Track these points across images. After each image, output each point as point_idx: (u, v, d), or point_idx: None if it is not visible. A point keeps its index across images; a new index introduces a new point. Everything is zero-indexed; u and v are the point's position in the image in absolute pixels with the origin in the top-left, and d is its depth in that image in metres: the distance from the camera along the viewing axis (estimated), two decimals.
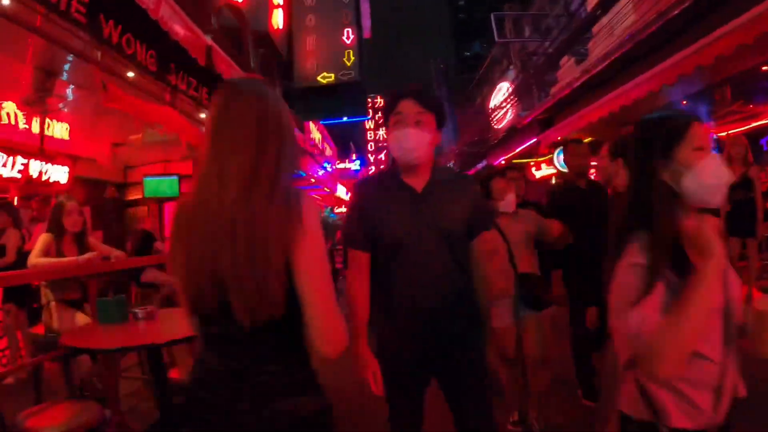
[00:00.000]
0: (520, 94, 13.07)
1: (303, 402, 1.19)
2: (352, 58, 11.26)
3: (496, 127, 17.58)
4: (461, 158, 26.35)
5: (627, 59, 7.89)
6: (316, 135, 15.65)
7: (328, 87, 11.39)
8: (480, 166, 20.66)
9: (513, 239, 2.83)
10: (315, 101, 11.67)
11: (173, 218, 1.23)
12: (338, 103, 11.99)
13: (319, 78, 11.27)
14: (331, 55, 11.28)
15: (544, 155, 17.65)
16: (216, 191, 1.15)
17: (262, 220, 1.11)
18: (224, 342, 1.21)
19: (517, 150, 14.76)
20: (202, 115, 6.58)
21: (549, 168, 21.02)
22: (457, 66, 56.17)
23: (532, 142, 12.73)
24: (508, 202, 2.96)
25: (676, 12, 6.50)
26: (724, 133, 11.95)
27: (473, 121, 22.89)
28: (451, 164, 35.72)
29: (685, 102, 9.06)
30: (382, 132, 31.71)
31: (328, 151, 19.83)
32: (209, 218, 1.14)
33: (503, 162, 18.08)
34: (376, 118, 31.20)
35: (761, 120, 11.56)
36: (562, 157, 12.62)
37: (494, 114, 16.44)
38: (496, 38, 16.62)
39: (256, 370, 1.17)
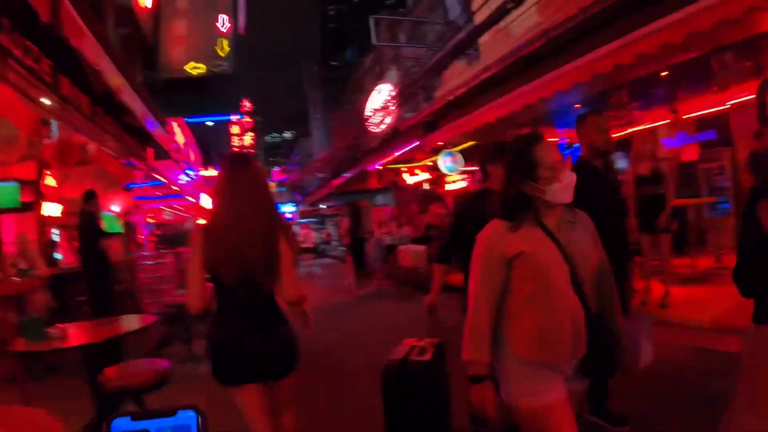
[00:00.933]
0: (404, 96, 12.72)
1: (285, 331, 2.32)
2: (227, 48, 10.05)
3: (373, 130, 17.22)
4: (333, 165, 25.76)
5: (531, 59, 7.80)
6: (179, 137, 14.04)
7: (197, 79, 10.07)
8: (353, 172, 20.19)
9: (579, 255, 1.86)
10: (182, 95, 10.28)
11: (199, 234, 2.26)
12: (208, 99, 10.73)
13: (187, 68, 9.88)
14: (203, 42, 9.93)
15: (420, 160, 17.71)
16: (237, 222, 2.21)
17: (272, 236, 2.26)
18: (245, 303, 2.24)
19: (397, 153, 14.45)
20: (46, 101, 5.16)
21: (423, 174, 21.27)
22: (328, 74, 56.14)
23: (414, 145, 12.48)
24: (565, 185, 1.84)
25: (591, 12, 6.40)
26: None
27: (347, 126, 22.40)
28: (321, 175, 35.02)
29: (578, 105, 9.30)
30: (248, 137, 29.93)
31: (192, 157, 18.07)
32: (239, 236, 2.19)
33: (379, 167, 17.69)
34: (243, 122, 29.41)
35: (638, 126, 12.15)
36: (449, 159, 12.52)
37: (372, 117, 16.04)
38: (375, 41, 16.31)
39: (264, 317, 2.29)
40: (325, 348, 6.07)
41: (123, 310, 6.22)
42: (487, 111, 8.62)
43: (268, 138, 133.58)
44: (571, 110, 9.79)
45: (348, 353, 5.91)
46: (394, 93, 14.51)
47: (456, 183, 22.71)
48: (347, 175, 21.24)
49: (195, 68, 9.88)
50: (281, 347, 2.26)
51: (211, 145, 30.50)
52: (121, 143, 8.26)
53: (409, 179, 20.68)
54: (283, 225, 2.33)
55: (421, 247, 10.43)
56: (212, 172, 25.52)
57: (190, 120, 12.69)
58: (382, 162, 16.05)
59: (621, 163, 7.05)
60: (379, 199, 31.53)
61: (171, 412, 0.73)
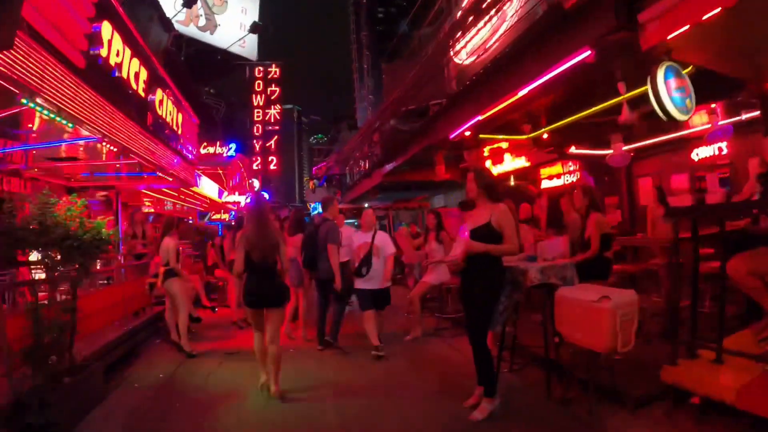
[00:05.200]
0: None
1: (277, 282, 5.25)
2: None
3: (463, 63, 10.32)
4: (388, 138, 18.74)
5: None
6: (133, 67, 7.74)
7: None
8: (418, 148, 13.49)
9: None
10: None
11: (243, 235, 5.24)
12: None
13: None
14: None
15: (525, 133, 10.69)
16: (255, 233, 5.16)
17: (273, 240, 5.21)
18: (262, 269, 5.15)
19: (533, 85, 7.07)
20: None
21: (517, 160, 14.51)
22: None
23: (583, 56, 5.61)
24: None
25: None
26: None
27: (408, 79, 15.55)
28: (364, 165, 28.52)
29: None
30: (274, 111, 23.49)
31: (171, 113, 11.55)
32: (261, 236, 5.16)
33: (468, 132, 10.55)
34: (268, 92, 23.07)
35: None
36: (673, 82, 5.31)
37: (465, 29, 8.96)
38: None
39: (271, 274, 5.20)
40: None
41: None
42: None
43: (312, 140, 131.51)
44: None
45: None
46: None
47: (557, 179, 15.75)
48: (407, 155, 14.48)
49: None
50: (274, 290, 5.11)
51: (228, 118, 24.55)
52: None
53: (494, 169, 13.90)
54: (281, 233, 5.34)
55: (627, 294, 3.68)
56: (217, 149, 19.51)
57: None
58: (481, 116, 8.78)
59: None
60: (436, 200, 24.52)
61: None
